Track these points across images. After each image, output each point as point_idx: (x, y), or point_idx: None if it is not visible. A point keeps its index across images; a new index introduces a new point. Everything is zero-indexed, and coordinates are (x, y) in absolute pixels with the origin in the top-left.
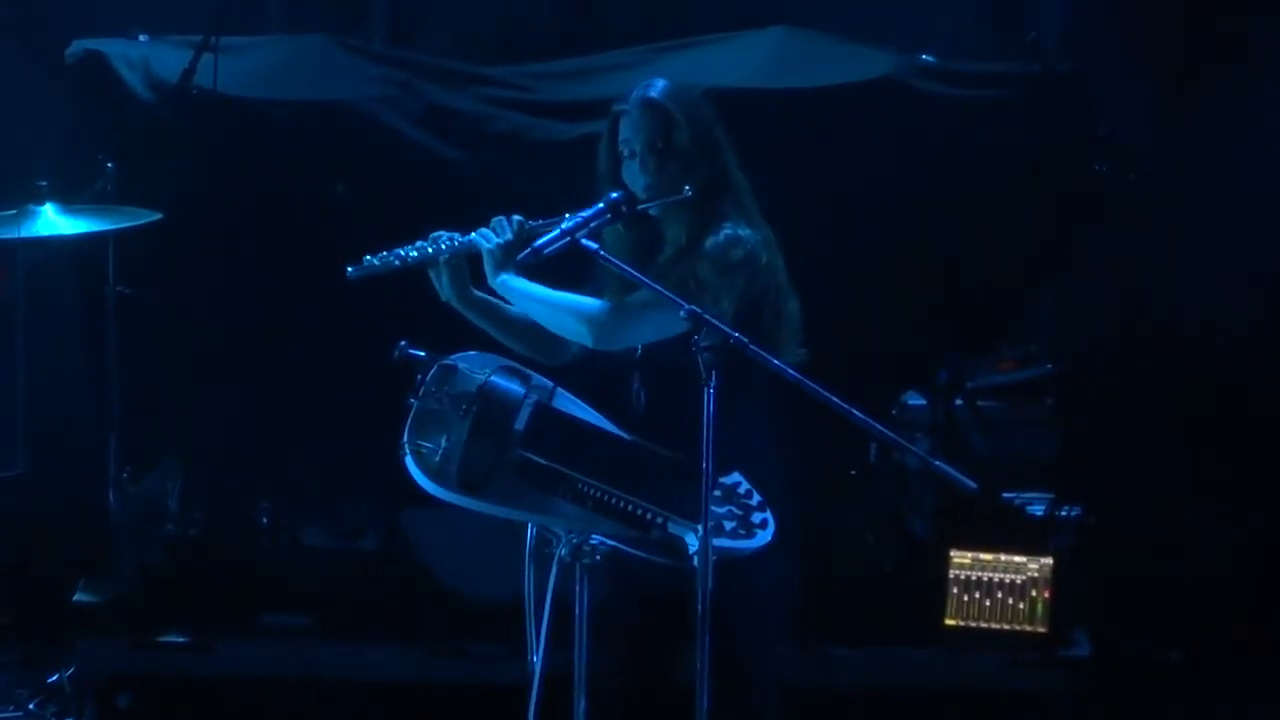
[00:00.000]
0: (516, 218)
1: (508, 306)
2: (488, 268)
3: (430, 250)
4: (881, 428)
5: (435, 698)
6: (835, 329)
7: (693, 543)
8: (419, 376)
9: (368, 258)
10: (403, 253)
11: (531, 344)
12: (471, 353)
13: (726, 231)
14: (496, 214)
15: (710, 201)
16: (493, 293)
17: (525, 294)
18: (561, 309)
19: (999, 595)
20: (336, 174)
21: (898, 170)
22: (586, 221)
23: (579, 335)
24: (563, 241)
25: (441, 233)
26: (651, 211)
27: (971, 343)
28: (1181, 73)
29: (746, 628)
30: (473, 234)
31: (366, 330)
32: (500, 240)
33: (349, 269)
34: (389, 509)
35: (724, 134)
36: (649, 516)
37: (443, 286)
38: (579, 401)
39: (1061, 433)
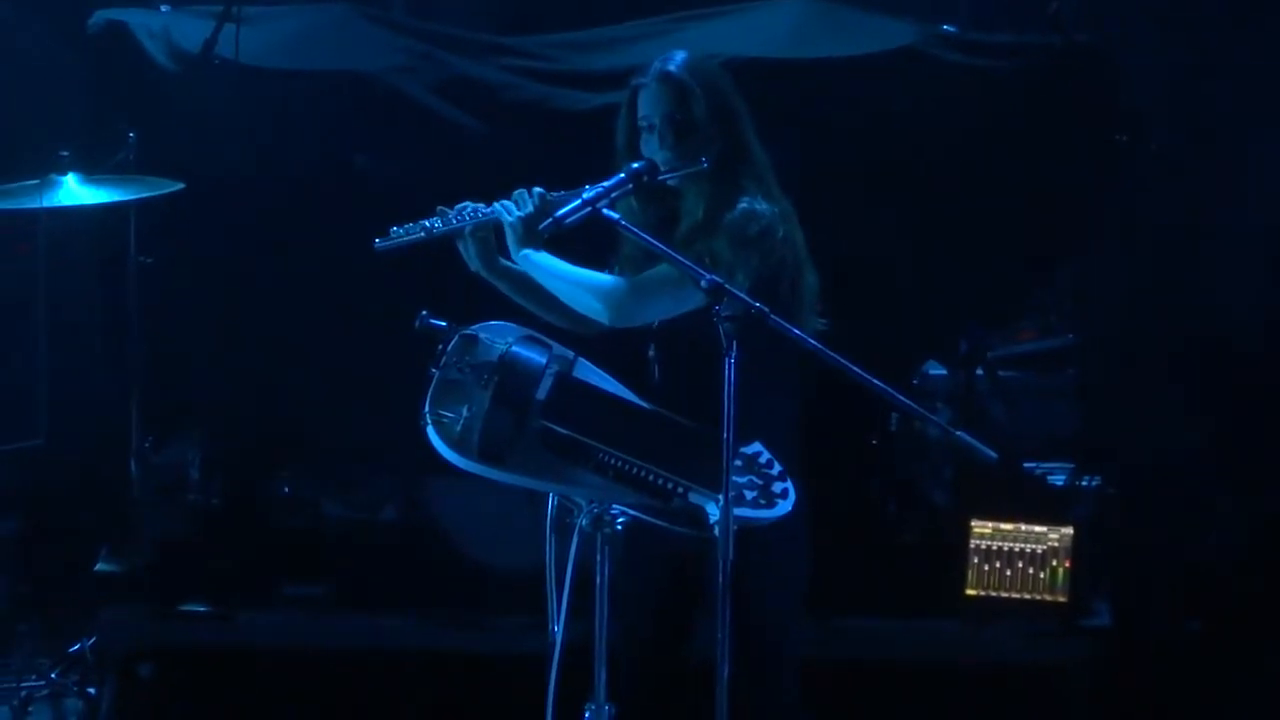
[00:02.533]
0: (538, 190)
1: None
2: (509, 241)
3: (455, 221)
4: (902, 397)
5: (455, 668)
6: (857, 299)
7: (713, 512)
8: (440, 346)
9: (394, 229)
10: (428, 224)
11: (562, 314)
12: (493, 322)
13: (743, 205)
14: (517, 184)
15: (728, 174)
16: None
17: (545, 269)
18: (579, 285)
19: (1019, 565)
20: (357, 144)
21: (918, 140)
22: (608, 191)
23: (595, 312)
24: (584, 211)
25: (467, 204)
26: (670, 183)
27: (993, 313)
28: (1203, 43)
29: (767, 597)
30: (495, 205)
31: (388, 300)
32: (521, 213)
33: (376, 241)
34: (410, 479)
35: (744, 106)
36: (670, 486)
37: (470, 257)
38: (601, 371)
39: (1082, 402)
